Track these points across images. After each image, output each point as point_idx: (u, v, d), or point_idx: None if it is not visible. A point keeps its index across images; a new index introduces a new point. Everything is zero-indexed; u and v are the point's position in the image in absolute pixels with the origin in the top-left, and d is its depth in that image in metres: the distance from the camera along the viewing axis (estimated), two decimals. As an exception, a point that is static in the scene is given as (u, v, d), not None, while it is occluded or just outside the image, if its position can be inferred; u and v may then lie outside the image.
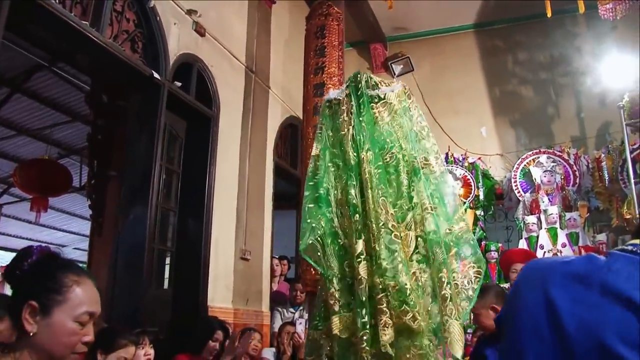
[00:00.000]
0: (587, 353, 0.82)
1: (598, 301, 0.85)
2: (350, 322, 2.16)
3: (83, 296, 1.38)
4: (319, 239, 2.27)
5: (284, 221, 6.42)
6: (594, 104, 6.78)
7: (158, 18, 4.29)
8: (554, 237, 5.97)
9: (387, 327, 2.02)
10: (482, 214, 6.61)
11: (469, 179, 6.65)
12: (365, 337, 2.02)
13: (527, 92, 7.34)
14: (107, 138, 4.41)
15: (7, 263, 1.46)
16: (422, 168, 2.26)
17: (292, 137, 6.64)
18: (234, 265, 4.97)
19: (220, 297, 4.68)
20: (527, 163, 6.54)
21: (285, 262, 6.21)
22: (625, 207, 5.48)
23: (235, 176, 5.20)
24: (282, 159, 6.31)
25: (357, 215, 2.18)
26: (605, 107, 6.51)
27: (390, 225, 2.11)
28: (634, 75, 5.51)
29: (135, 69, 4.04)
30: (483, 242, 6.30)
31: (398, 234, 2.12)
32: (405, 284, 2.04)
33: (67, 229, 12.32)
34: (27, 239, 12.38)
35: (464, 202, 6.47)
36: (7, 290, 1.50)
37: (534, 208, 6.22)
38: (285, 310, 5.34)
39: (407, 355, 2.06)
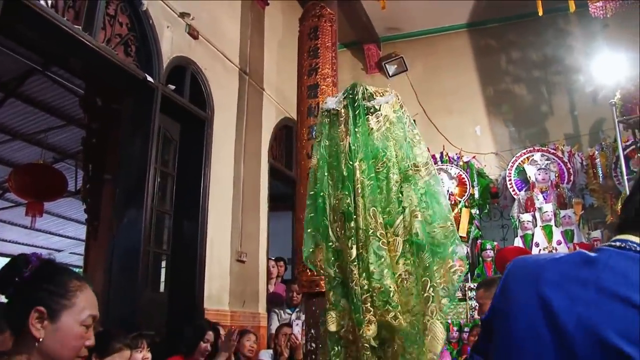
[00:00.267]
0: (588, 350, 0.83)
1: (595, 298, 0.86)
2: (340, 318, 2.37)
3: (87, 300, 1.41)
4: (319, 245, 2.49)
5: (279, 222, 6.42)
6: (587, 102, 6.81)
7: (151, 21, 4.30)
8: (549, 234, 5.99)
9: (371, 324, 2.23)
10: (478, 212, 6.61)
11: (463, 178, 6.67)
12: (363, 333, 2.22)
13: (520, 91, 7.37)
14: (101, 142, 4.40)
15: (-2, 272, 1.44)
16: (413, 174, 2.40)
17: (287, 139, 6.64)
18: (230, 267, 4.97)
19: (216, 299, 4.68)
20: (521, 161, 6.56)
21: (282, 263, 6.21)
22: (619, 204, 5.49)
23: (230, 178, 5.20)
24: (277, 160, 6.31)
25: (352, 222, 2.34)
26: (598, 105, 6.53)
27: (378, 233, 2.30)
28: (626, 73, 5.54)
29: (128, 72, 4.05)
30: (479, 241, 6.32)
31: (385, 241, 2.30)
32: (389, 287, 2.24)
33: (63, 234, 12.28)
34: (23, 244, 12.34)
35: (460, 201, 6.49)
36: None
37: (529, 206, 6.24)
38: (282, 312, 5.34)
39: (391, 350, 2.27)
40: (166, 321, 4.27)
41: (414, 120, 2.64)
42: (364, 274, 2.28)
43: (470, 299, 5.75)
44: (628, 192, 5.18)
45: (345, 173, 2.41)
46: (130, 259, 3.90)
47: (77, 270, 4.41)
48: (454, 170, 6.72)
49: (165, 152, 4.57)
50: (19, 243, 12.33)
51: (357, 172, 2.35)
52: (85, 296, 1.41)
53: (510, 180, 6.54)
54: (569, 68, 7.04)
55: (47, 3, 3.37)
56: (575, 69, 6.94)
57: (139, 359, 2.97)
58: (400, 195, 2.37)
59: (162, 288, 4.41)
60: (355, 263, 2.29)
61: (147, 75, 4.15)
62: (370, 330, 2.22)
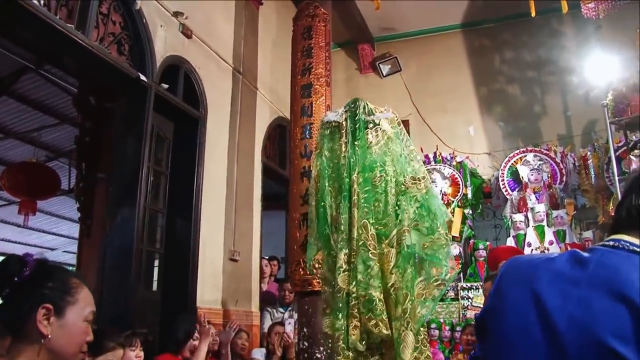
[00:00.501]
0: (580, 350, 0.83)
1: (587, 297, 0.86)
2: (333, 322, 2.51)
3: (87, 296, 1.45)
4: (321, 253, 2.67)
5: (272, 222, 6.43)
6: (579, 103, 6.84)
7: (144, 20, 4.29)
8: (541, 234, 6.01)
9: (356, 329, 2.39)
10: (471, 212, 6.63)
11: (457, 178, 6.69)
12: (342, 337, 2.40)
13: (514, 91, 7.39)
14: (95, 140, 4.40)
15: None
16: (410, 187, 2.53)
17: (281, 138, 6.64)
18: (223, 266, 4.98)
19: (209, 298, 4.68)
20: (514, 162, 6.59)
21: (275, 262, 6.21)
22: (611, 205, 5.52)
23: (224, 177, 5.20)
24: (270, 159, 6.32)
25: (345, 232, 2.48)
26: (590, 106, 6.56)
27: (369, 244, 2.43)
28: (618, 74, 5.57)
29: (122, 71, 4.04)
30: (471, 241, 6.34)
31: (375, 252, 2.43)
32: (373, 296, 2.37)
33: (56, 232, 12.24)
34: (16, 242, 12.29)
35: (453, 201, 6.51)
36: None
37: (521, 206, 6.26)
38: (274, 311, 5.35)
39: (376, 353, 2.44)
40: (159, 320, 4.27)
41: (408, 134, 2.79)
42: (353, 282, 2.41)
43: (463, 298, 5.78)
44: (619, 193, 5.23)
45: (345, 183, 2.54)
46: (123, 257, 3.90)
47: (70, 268, 4.41)
48: (447, 170, 6.74)
49: (159, 151, 4.56)
50: (12, 241, 12.28)
51: (355, 184, 2.48)
52: (86, 292, 1.45)
53: (503, 180, 6.57)
54: (562, 69, 7.07)
55: (39, 1, 3.36)
56: (569, 70, 6.97)
57: (132, 358, 2.97)
58: (397, 208, 2.49)
59: (155, 287, 4.41)
60: (343, 270, 2.43)
61: (140, 74, 4.15)
62: (354, 336, 2.37)
